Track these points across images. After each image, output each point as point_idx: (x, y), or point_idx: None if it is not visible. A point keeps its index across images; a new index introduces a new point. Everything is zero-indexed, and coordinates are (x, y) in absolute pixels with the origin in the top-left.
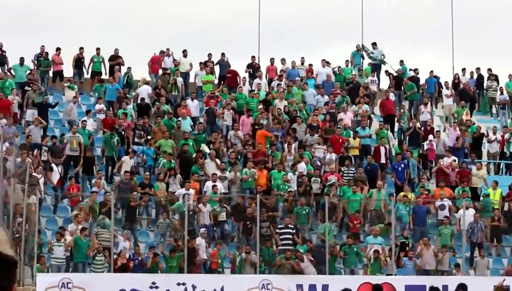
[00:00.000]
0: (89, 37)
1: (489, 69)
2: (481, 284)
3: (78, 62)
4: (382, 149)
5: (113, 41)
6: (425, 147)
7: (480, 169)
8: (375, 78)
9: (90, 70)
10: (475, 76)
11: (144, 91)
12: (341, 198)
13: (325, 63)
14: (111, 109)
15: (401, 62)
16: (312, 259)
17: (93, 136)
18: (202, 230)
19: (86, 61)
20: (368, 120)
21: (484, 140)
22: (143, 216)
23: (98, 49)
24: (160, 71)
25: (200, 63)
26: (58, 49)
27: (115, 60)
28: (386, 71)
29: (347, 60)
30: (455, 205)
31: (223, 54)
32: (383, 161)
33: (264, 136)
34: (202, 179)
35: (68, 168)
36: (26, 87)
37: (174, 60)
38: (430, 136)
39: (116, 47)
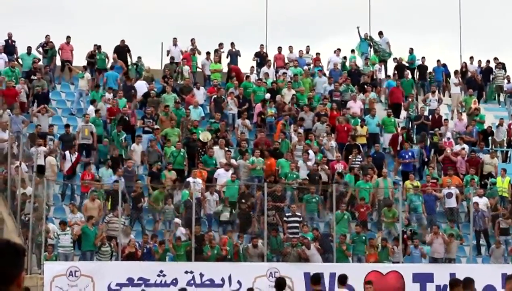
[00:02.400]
0: (97, 28)
1: (496, 58)
2: (489, 272)
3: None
4: (400, 138)
5: (121, 32)
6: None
7: (494, 157)
8: (382, 66)
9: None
10: (483, 65)
11: (141, 87)
12: (348, 186)
13: (339, 52)
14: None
15: (411, 50)
16: (319, 247)
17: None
18: None
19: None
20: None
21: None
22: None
23: (99, 47)
24: (168, 60)
25: (207, 53)
26: (68, 37)
27: (121, 50)
28: (395, 59)
29: (352, 50)
30: (462, 193)
31: (232, 44)
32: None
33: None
34: (209, 169)
35: (80, 156)
36: (32, 76)
37: (181, 50)
38: (448, 134)
39: (123, 37)
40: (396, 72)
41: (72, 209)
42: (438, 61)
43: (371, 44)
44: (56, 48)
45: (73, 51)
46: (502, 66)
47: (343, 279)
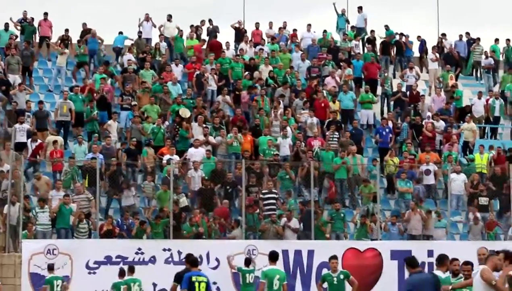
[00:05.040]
0: (74, 5)
1: (467, 33)
2: (467, 249)
3: (64, 43)
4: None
5: (98, 10)
6: (423, 123)
7: (470, 121)
8: (359, 42)
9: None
10: (464, 39)
11: (126, 59)
12: (320, 162)
13: (310, 27)
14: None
15: (387, 26)
16: (297, 225)
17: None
18: None
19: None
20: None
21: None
22: (129, 182)
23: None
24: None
25: (191, 26)
26: (45, 14)
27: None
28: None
29: (324, 30)
30: (440, 169)
31: (210, 20)
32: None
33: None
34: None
35: (58, 133)
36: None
37: (154, 25)
38: (427, 112)
39: (99, 16)
40: (380, 49)
41: (58, 185)
42: (405, 36)
43: (348, 20)
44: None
45: (52, 27)
46: (480, 41)
47: (274, 256)
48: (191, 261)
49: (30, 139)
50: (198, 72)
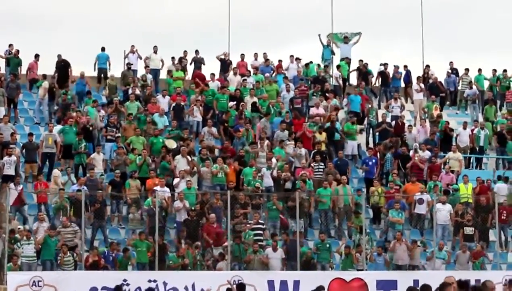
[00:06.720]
0: (60, 37)
1: (451, 62)
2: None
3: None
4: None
5: (81, 39)
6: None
7: (455, 151)
8: (340, 73)
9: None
10: (452, 75)
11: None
12: (311, 193)
13: (294, 58)
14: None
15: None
16: (284, 256)
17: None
18: None
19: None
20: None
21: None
22: (114, 214)
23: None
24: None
25: (172, 58)
26: (36, 56)
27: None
28: (358, 68)
29: (310, 62)
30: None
31: (196, 51)
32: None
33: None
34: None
35: (43, 165)
36: None
37: (139, 56)
38: (415, 144)
39: (84, 45)
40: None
41: (41, 217)
42: (395, 66)
43: (333, 52)
44: (23, 62)
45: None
46: (468, 71)
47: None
48: None
49: (13, 183)
50: (174, 103)
